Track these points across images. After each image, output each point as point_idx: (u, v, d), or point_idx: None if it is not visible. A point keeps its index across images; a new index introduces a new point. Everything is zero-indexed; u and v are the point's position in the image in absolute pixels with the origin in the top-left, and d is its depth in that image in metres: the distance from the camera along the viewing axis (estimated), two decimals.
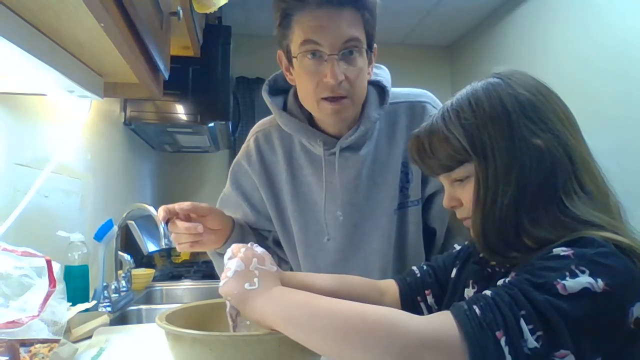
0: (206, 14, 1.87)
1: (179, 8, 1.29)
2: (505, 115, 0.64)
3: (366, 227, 1.07)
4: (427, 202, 1.10)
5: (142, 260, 2.29)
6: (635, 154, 2.20)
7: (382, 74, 1.07)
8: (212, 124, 2.35)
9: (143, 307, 1.80)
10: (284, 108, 1.06)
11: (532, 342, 0.52)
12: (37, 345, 0.77)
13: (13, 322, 0.75)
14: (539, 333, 0.52)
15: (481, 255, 0.73)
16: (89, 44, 0.86)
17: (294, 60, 0.95)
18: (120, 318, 1.60)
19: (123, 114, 2.23)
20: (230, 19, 2.65)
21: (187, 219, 0.96)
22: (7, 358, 0.73)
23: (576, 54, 2.60)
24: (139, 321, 1.73)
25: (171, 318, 0.72)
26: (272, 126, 1.10)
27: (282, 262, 1.17)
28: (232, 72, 2.55)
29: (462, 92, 0.70)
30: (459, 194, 0.71)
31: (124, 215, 1.71)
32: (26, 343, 0.76)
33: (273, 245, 1.17)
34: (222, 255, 1.08)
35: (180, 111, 2.32)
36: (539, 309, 0.53)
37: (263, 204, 1.12)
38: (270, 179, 1.10)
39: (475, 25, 3.63)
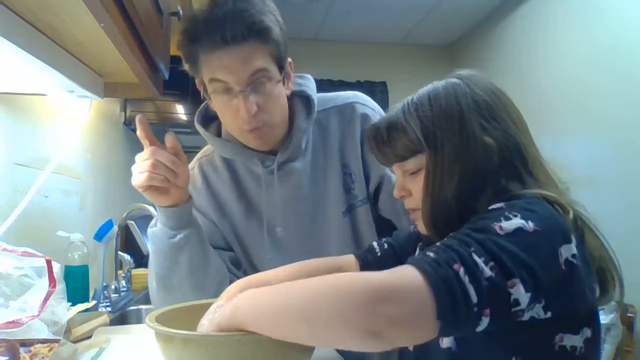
0: None
1: (179, 8, 1.29)
2: (459, 111, 0.69)
3: (320, 235, 1.07)
4: (375, 195, 1.10)
5: (142, 260, 2.29)
6: (635, 154, 2.20)
7: (307, 83, 1.07)
8: None
9: (143, 307, 1.80)
10: (220, 133, 1.07)
11: (487, 271, 0.54)
12: (37, 345, 0.77)
13: (13, 322, 0.75)
14: (491, 264, 0.55)
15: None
16: (89, 44, 0.86)
17: (210, 95, 0.96)
18: (120, 318, 1.60)
19: (123, 114, 2.23)
20: None
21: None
22: (7, 358, 0.73)
23: (576, 53, 2.60)
24: (139, 321, 1.72)
25: (160, 319, 0.70)
26: (215, 151, 1.11)
27: None
28: None
29: (424, 89, 0.75)
30: (409, 185, 0.74)
31: (124, 215, 1.71)
32: (26, 343, 0.76)
33: (231, 266, 1.12)
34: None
35: (180, 111, 2.32)
36: (484, 245, 0.56)
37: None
38: (219, 203, 1.10)
39: (475, 25, 3.63)
